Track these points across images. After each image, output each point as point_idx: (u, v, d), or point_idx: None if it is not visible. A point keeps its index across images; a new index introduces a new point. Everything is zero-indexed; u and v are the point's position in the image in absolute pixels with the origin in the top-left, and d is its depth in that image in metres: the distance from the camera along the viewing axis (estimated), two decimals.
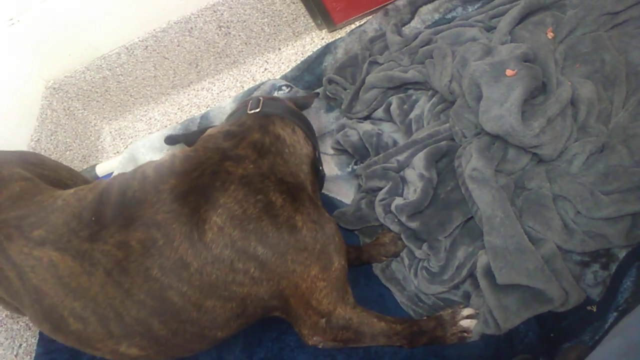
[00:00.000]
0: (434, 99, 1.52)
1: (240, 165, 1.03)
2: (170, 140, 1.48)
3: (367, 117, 1.64)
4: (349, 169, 1.60)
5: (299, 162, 1.14)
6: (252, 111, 1.20)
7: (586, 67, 1.35)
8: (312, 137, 1.27)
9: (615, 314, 1.06)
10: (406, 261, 1.32)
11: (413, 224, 1.29)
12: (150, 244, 0.94)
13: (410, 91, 1.61)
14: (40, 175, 1.27)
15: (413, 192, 1.33)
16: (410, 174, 1.36)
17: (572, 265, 1.17)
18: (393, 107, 1.56)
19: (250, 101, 1.24)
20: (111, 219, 0.98)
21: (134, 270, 0.94)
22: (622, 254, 1.14)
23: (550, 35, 1.41)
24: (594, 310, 1.12)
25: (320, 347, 1.10)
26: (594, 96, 1.29)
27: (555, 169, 1.25)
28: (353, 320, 1.08)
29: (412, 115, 1.53)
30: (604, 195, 1.16)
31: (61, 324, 0.98)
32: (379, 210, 1.38)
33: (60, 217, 1.02)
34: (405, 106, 1.56)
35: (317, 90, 1.75)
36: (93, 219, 1.00)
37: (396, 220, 1.33)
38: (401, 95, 1.58)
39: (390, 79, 1.58)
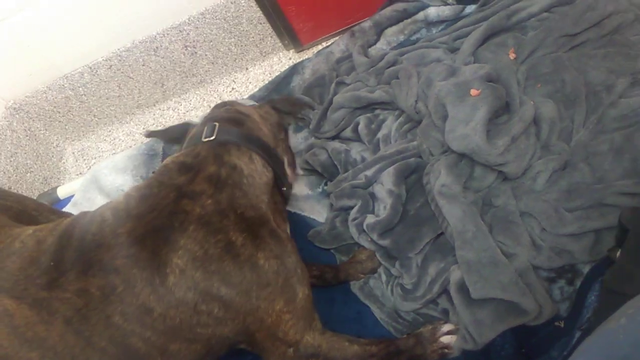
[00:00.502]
0: (400, 118, 1.54)
1: (197, 203, 1.00)
2: (149, 134, 1.44)
3: (335, 137, 1.64)
4: (320, 189, 1.60)
5: (258, 193, 1.11)
6: (207, 139, 1.14)
7: (547, 87, 1.39)
8: (272, 159, 1.20)
9: (580, 331, 1.07)
10: (383, 277, 1.32)
11: (384, 242, 1.29)
12: (110, 291, 0.92)
13: (378, 111, 1.62)
14: (2, 206, 1.21)
15: (383, 208, 1.33)
16: (379, 190, 1.37)
17: (539, 281, 1.18)
18: (361, 127, 1.57)
19: (206, 127, 1.18)
20: (70, 265, 0.95)
21: (95, 318, 0.91)
22: (586, 269, 1.16)
23: (512, 56, 1.45)
24: (562, 325, 1.13)
25: None
26: (555, 115, 1.32)
27: (520, 187, 1.27)
28: (322, 346, 1.08)
29: (379, 135, 1.54)
30: (567, 212, 1.18)
31: None
32: (352, 229, 1.38)
33: (17, 262, 0.98)
34: (372, 125, 1.57)
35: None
36: (52, 264, 0.95)
37: (369, 239, 1.32)
38: (368, 115, 1.59)
39: (358, 99, 1.59)
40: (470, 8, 1.68)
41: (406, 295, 1.25)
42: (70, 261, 0.95)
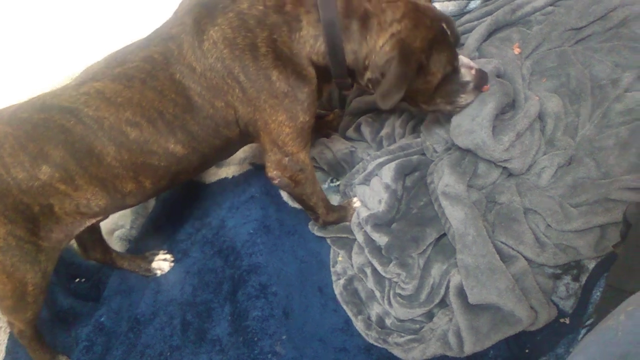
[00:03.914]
0: (403, 115, 1.53)
1: (250, 2, 1.13)
2: None
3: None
4: (326, 185, 1.61)
5: (300, 49, 1.15)
6: None
7: (552, 82, 1.37)
8: (335, 53, 1.16)
9: (586, 328, 1.06)
10: (371, 280, 1.31)
11: (382, 238, 1.29)
12: (169, 55, 1.14)
13: (381, 110, 1.61)
14: None
15: (378, 202, 1.34)
16: (375, 183, 1.38)
17: (544, 278, 1.17)
18: (363, 126, 1.56)
19: None
20: (135, 45, 1.20)
21: (162, 76, 1.14)
22: (591, 265, 1.15)
23: (516, 50, 1.44)
24: (567, 322, 1.13)
25: (275, 182, 1.30)
26: (560, 110, 1.31)
27: (524, 183, 1.26)
28: (309, 168, 1.30)
29: (382, 133, 1.53)
30: (572, 207, 1.17)
31: (123, 139, 1.15)
32: (352, 218, 1.41)
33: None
34: (375, 124, 1.57)
35: None
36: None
37: (362, 229, 1.33)
38: (370, 114, 1.58)
39: (362, 104, 1.59)
40: (474, 3, 1.66)
41: (410, 302, 1.23)
42: (135, 43, 1.20)
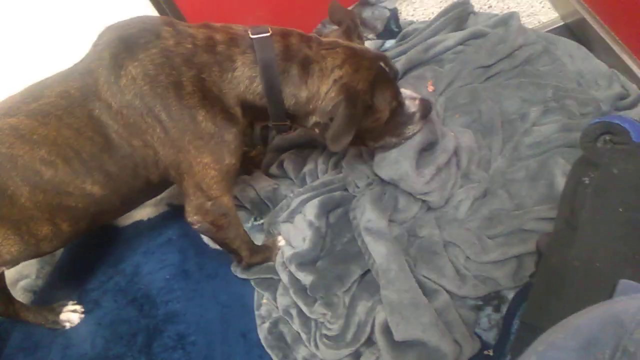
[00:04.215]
0: (326, 151, 1.53)
1: (176, 39, 1.09)
2: None
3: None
4: (249, 225, 1.56)
5: (230, 89, 1.12)
6: (254, 34, 1.12)
7: (465, 117, 1.42)
8: (273, 95, 1.14)
9: (509, 357, 1.06)
10: (296, 322, 1.26)
11: (307, 277, 1.26)
12: (87, 90, 1.09)
13: (304, 146, 1.61)
14: None
15: (302, 240, 1.31)
16: (299, 221, 1.35)
17: (467, 311, 1.17)
18: (286, 163, 1.54)
19: (270, 30, 1.13)
20: (52, 79, 1.14)
21: (79, 113, 1.09)
22: (511, 295, 1.16)
23: (430, 88, 1.48)
24: (491, 354, 1.13)
25: (196, 227, 1.23)
26: (474, 144, 1.35)
27: (444, 216, 1.28)
28: (232, 212, 1.25)
29: (305, 169, 1.52)
30: (489, 239, 1.19)
31: (38, 178, 1.09)
32: (277, 257, 1.37)
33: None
34: (298, 160, 1.55)
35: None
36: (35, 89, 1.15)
37: (287, 269, 1.29)
38: (293, 150, 1.57)
39: (285, 141, 1.58)
40: (389, 43, 1.71)
41: (336, 342, 1.19)
42: (52, 77, 1.15)
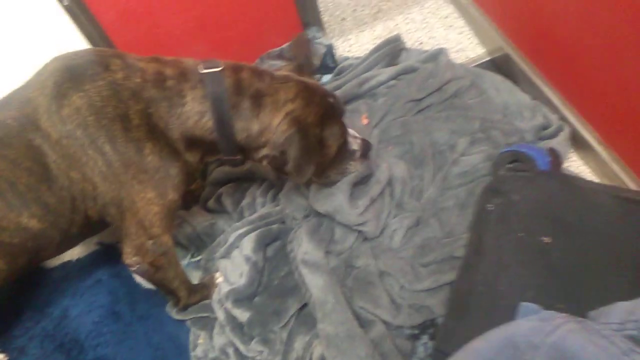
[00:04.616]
0: (264, 184, 1.53)
1: (125, 73, 1.07)
2: None
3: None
4: (186, 262, 1.52)
5: (178, 125, 1.11)
6: (205, 68, 1.12)
7: (398, 149, 1.46)
8: (224, 130, 1.13)
9: None
10: None
11: (243, 314, 1.23)
12: (25, 120, 1.05)
13: (242, 180, 1.60)
14: None
15: (239, 276, 1.29)
16: (236, 256, 1.33)
17: (403, 340, 1.17)
18: (224, 197, 1.53)
19: (215, 62, 1.13)
20: None
21: (17, 143, 1.05)
22: None
23: (365, 121, 1.52)
24: None
25: (134, 269, 1.18)
26: (406, 175, 1.38)
27: (379, 246, 1.29)
28: (172, 250, 1.21)
29: (243, 203, 1.50)
30: (422, 267, 1.21)
31: None
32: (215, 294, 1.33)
33: None
34: (236, 194, 1.54)
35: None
36: None
37: (223, 306, 1.26)
38: (230, 184, 1.56)
39: (223, 174, 1.57)
40: (326, 78, 1.75)
41: None
42: None
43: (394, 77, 1.64)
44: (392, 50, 1.72)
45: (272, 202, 1.49)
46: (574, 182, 0.84)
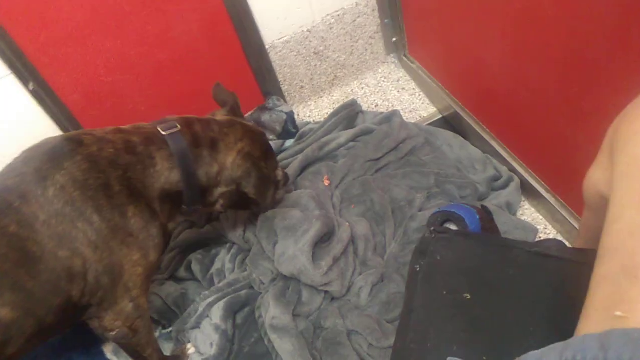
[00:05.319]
0: (233, 249, 1.55)
1: (98, 145, 1.14)
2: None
3: (169, 278, 1.59)
4: (157, 334, 1.50)
5: (153, 182, 1.20)
6: (165, 130, 1.23)
7: (360, 207, 1.51)
8: (189, 178, 1.24)
9: None
10: None
11: None
12: (6, 207, 1.06)
13: (212, 246, 1.62)
14: None
15: (210, 346, 1.29)
16: (206, 326, 1.33)
17: None
18: (194, 264, 1.54)
19: (177, 123, 1.25)
20: None
21: None
22: None
23: (326, 182, 1.58)
24: None
25: (113, 334, 1.18)
26: (369, 232, 1.43)
27: (346, 305, 1.31)
28: (147, 314, 1.23)
29: (213, 270, 1.52)
30: (388, 323, 1.24)
31: None
32: None
33: None
34: (206, 261, 1.55)
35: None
36: None
37: None
38: (200, 251, 1.58)
39: (188, 239, 1.59)
40: (289, 142, 1.82)
41: None
42: None
43: (352, 140, 1.72)
44: (349, 114, 1.81)
45: (240, 267, 1.51)
46: (489, 241, 0.91)
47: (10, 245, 1.03)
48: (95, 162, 1.12)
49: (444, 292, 0.78)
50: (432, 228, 0.87)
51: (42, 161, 1.10)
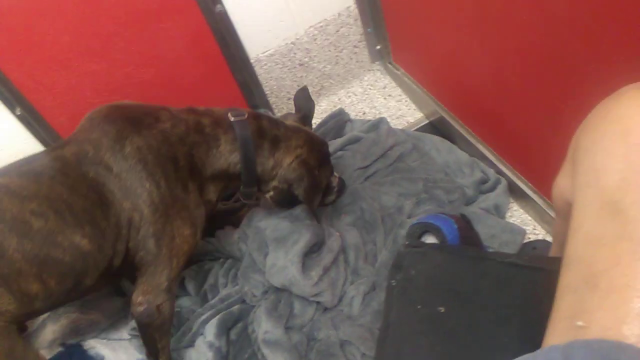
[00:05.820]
0: (226, 263, 1.55)
1: (172, 122, 1.26)
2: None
3: None
4: None
5: (213, 162, 1.32)
6: (234, 116, 1.34)
7: (350, 217, 1.51)
8: (248, 163, 1.35)
9: None
10: None
11: None
12: (83, 156, 1.18)
13: (205, 261, 1.62)
14: None
15: None
16: (200, 344, 1.33)
17: None
18: (187, 281, 1.54)
19: (241, 111, 1.37)
20: (43, 151, 1.26)
21: (73, 174, 1.16)
22: None
23: None
24: None
25: (140, 310, 1.20)
26: (359, 241, 1.43)
27: (338, 315, 1.32)
28: (174, 300, 1.28)
29: (206, 285, 1.52)
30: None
31: (26, 228, 1.09)
32: None
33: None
34: (199, 277, 1.56)
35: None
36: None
37: None
38: (193, 266, 1.58)
39: None
40: None
41: None
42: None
43: (341, 149, 1.72)
44: (337, 123, 1.82)
45: (233, 282, 1.51)
46: (462, 253, 0.91)
47: (90, 187, 1.17)
48: (167, 137, 1.24)
49: (419, 307, 0.79)
50: (407, 242, 0.87)
51: (124, 125, 1.22)
